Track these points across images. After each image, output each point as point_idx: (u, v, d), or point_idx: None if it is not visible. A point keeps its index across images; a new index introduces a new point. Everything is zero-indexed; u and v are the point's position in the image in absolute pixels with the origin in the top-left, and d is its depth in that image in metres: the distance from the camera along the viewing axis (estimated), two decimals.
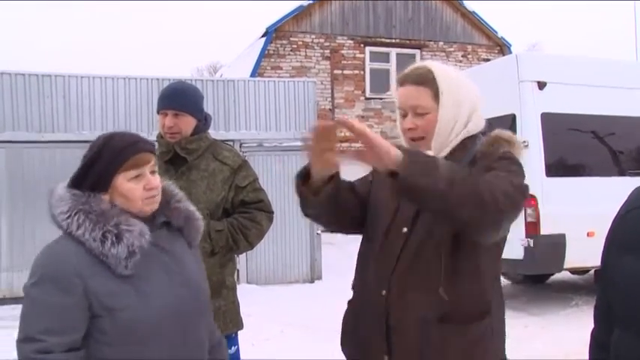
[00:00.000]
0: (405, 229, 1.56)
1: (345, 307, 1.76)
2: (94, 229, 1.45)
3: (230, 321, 2.43)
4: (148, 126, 7.62)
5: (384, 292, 1.55)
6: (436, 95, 1.57)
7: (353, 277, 1.74)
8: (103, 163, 1.50)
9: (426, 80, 1.58)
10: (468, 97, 1.60)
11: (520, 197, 1.45)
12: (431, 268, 1.51)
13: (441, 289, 1.48)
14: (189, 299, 1.55)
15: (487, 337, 1.51)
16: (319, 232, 8.13)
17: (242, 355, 2.54)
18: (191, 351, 1.55)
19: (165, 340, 1.50)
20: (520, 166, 1.55)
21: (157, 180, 1.54)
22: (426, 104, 1.57)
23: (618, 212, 1.09)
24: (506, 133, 1.61)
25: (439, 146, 1.58)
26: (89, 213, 1.47)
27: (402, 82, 1.63)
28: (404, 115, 1.62)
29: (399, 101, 1.63)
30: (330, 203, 1.55)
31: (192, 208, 1.68)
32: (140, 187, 1.51)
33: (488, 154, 1.54)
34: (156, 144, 2.47)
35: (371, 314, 1.58)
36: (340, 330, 1.75)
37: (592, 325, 1.21)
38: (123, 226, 1.47)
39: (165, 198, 1.61)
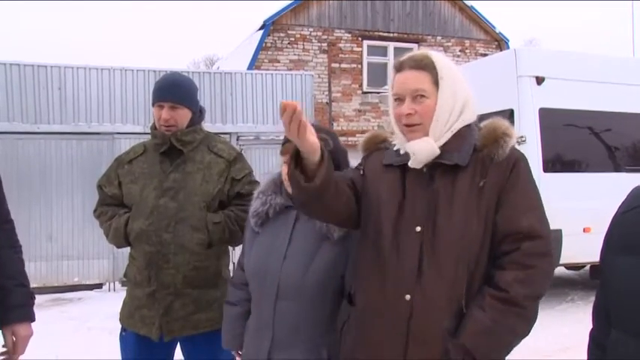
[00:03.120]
0: (418, 228, 1.51)
1: None
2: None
3: None
4: (145, 118, 7.59)
5: (408, 297, 1.49)
6: (436, 81, 1.55)
7: (354, 278, 1.67)
8: None
9: (426, 66, 1.56)
10: (462, 87, 1.60)
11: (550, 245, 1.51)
12: (457, 275, 1.48)
13: (463, 301, 1.47)
14: (273, 273, 1.81)
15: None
16: None
17: None
18: (280, 329, 1.78)
19: (256, 300, 1.89)
20: (533, 181, 1.57)
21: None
22: (427, 88, 1.55)
23: (616, 212, 1.08)
24: (504, 124, 1.59)
25: (437, 134, 1.55)
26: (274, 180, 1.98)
27: (399, 68, 1.59)
28: (400, 102, 1.58)
29: (397, 87, 1.59)
30: (323, 190, 1.47)
31: None
32: (285, 170, 1.78)
33: (499, 162, 1.53)
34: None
35: (390, 319, 1.51)
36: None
37: (588, 320, 1.20)
38: (267, 194, 1.94)
39: None
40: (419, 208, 1.53)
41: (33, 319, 2.03)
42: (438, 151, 1.54)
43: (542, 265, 1.47)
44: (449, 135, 1.56)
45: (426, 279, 1.48)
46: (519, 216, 1.48)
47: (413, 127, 1.57)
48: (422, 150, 1.54)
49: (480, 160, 1.53)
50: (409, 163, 1.57)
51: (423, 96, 1.55)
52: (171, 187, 2.34)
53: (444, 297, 1.47)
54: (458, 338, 1.45)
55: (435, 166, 1.55)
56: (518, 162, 1.54)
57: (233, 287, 2.09)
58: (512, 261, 1.46)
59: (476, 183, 1.51)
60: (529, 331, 1.50)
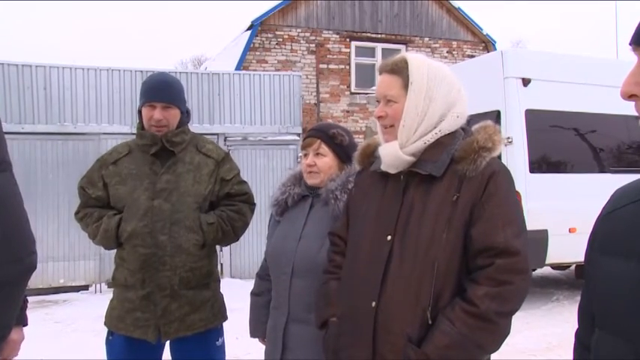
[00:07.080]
0: (388, 237, 1.52)
1: None
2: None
3: (217, 313, 2.43)
4: (132, 118, 7.53)
5: (373, 304, 1.49)
6: (406, 85, 1.58)
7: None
8: None
9: (399, 70, 1.60)
10: (444, 94, 1.57)
11: (524, 246, 1.47)
12: (422, 286, 1.46)
13: (428, 310, 1.45)
14: (289, 253, 1.94)
15: None
16: None
17: (227, 348, 2.53)
18: (295, 305, 1.89)
19: (274, 280, 1.99)
20: (513, 193, 1.53)
21: (312, 160, 1.99)
22: (394, 93, 1.59)
23: (600, 213, 1.09)
24: (485, 136, 1.55)
25: (404, 138, 1.56)
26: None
27: (380, 71, 1.67)
28: (378, 104, 1.65)
29: (376, 90, 1.67)
30: None
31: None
32: (305, 163, 2.01)
33: (472, 177, 1.49)
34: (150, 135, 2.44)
35: (358, 324, 1.53)
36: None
37: (573, 320, 1.21)
38: (286, 185, 2.08)
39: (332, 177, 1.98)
40: (392, 217, 1.54)
41: (25, 324, 2.01)
42: (403, 157, 1.55)
43: (516, 281, 1.44)
44: (420, 144, 1.55)
45: (390, 287, 1.48)
46: (495, 230, 1.45)
47: (387, 130, 1.62)
48: (387, 154, 1.59)
49: (457, 172, 1.51)
50: (381, 166, 1.61)
51: (391, 100, 1.60)
52: (164, 188, 2.32)
53: (407, 306, 1.46)
54: (423, 348, 1.43)
55: (411, 175, 1.56)
56: (494, 175, 1.49)
57: (258, 278, 2.21)
58: (486, 276, 1.43)
59: (450, 195, 1.49)
60: (498, 347, 1.48)
